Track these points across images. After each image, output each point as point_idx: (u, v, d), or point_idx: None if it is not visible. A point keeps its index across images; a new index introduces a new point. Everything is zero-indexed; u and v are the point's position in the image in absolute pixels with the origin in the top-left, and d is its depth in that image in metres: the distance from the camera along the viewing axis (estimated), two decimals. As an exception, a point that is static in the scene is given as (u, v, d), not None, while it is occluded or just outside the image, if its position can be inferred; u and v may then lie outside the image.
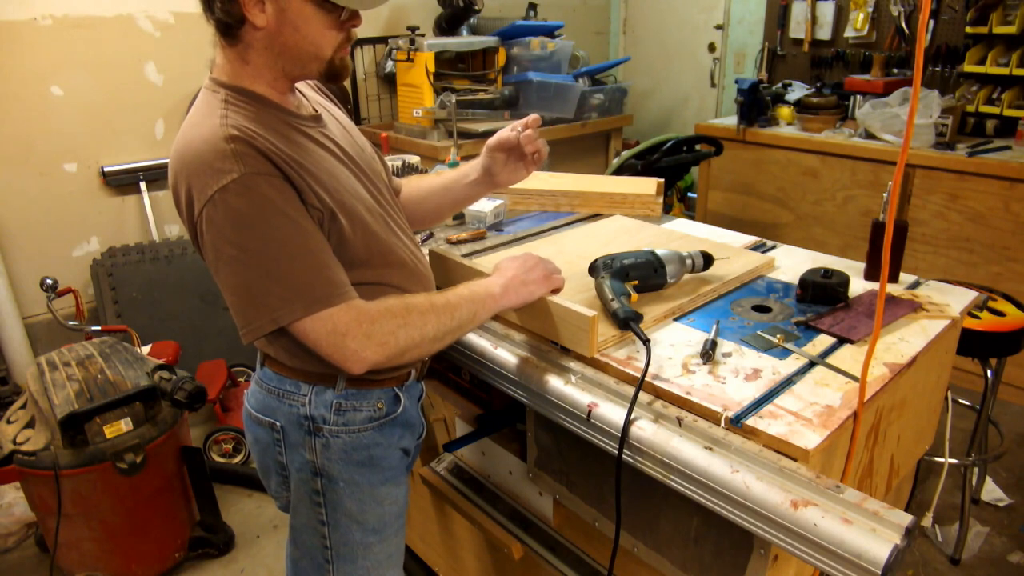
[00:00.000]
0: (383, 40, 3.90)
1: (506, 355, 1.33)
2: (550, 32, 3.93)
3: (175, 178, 1.08)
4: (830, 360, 1.20)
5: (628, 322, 1.23)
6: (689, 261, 1.42)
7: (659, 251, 1.40)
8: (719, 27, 4.53)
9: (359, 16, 1.11)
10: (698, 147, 3.30)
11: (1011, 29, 3.04)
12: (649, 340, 1.17)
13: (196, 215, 1.04)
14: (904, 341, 1.26)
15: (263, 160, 1.03)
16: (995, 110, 3.18)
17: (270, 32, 1.06)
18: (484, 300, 1.20)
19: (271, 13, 1.04)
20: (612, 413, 1.13)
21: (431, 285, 1.31)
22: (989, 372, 2.05)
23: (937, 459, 2.16)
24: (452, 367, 1.62)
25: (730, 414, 1.05)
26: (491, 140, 1.38)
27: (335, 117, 1.29)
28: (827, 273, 1.43)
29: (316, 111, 1.22)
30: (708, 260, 1.45)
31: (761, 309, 1.39)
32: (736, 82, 3.72)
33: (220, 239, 1.03)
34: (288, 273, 1.04)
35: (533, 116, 1.36)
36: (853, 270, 1.53)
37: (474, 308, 1.18)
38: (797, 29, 3.99)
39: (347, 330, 1.06)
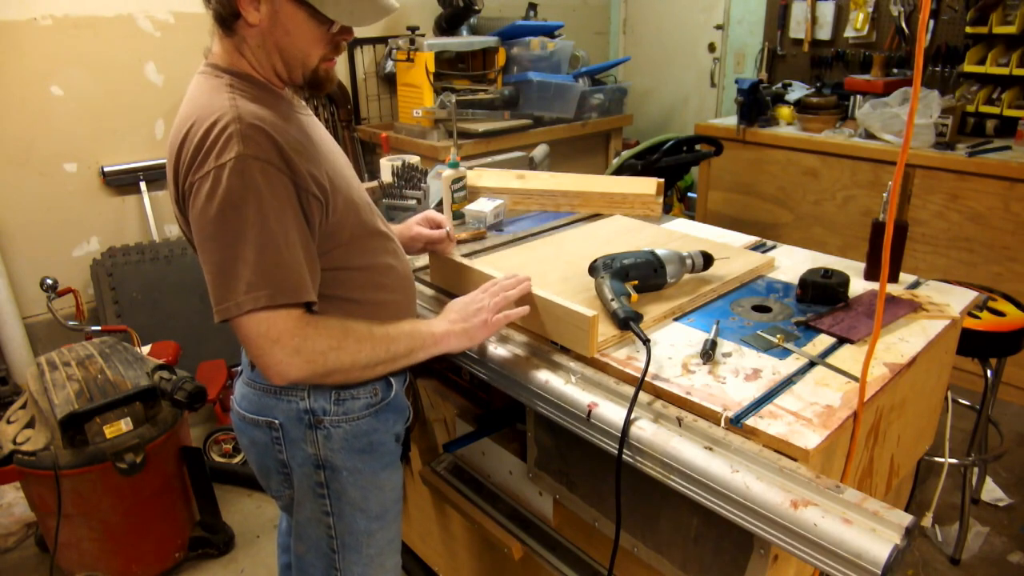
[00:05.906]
0: (383, 40, 3.90)
1: (506, 355, 1.33)
2: (550, 32, 3.93)
3: (178, 146, 1.08)
4: (830, 360, 1.20)
5: (628, 322, 1.23)
6: (689, 261, 1.42)
7: (659, 251, 1.40)
8: (719, 27, 4.52)
9: (350, 31, 1.13)
10: (698, 147, 3.30)
11: (1011, 29, 3.04)
12: (649, 340, 1.17)
13: (189, 183, 1.05)
14: (904, 341, 1.26)
15: (267, 145, 1.04)
16: (995, 110, 3.18)
17: (263, 30, 1.09)
18: (424, 340, 1.22)
19: (265, 13, 1.07)
20: (612, 413, 1.13)
21: (410, 281, 1.35)
22: (989, 372, 2.05)
23: (937, 459, 2.16)
24: (452, 367, 1.62)
25: (730, 414, 1.05)
26: (424, 234, 1.49)
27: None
28: (827, 273, 1.43)
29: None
30: (708, 260, 1.45)
31: (761, 309, 1.39)
32: (736, 82, 3.72)
33: (204, 216, 1.03)
34: (257, 262, 1.03)
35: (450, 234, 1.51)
36: (853, 270, 1.53)
37: (412, 345, 1.20)
38: (797, 29, 3.99)
39: (279, 337, 1.05)
